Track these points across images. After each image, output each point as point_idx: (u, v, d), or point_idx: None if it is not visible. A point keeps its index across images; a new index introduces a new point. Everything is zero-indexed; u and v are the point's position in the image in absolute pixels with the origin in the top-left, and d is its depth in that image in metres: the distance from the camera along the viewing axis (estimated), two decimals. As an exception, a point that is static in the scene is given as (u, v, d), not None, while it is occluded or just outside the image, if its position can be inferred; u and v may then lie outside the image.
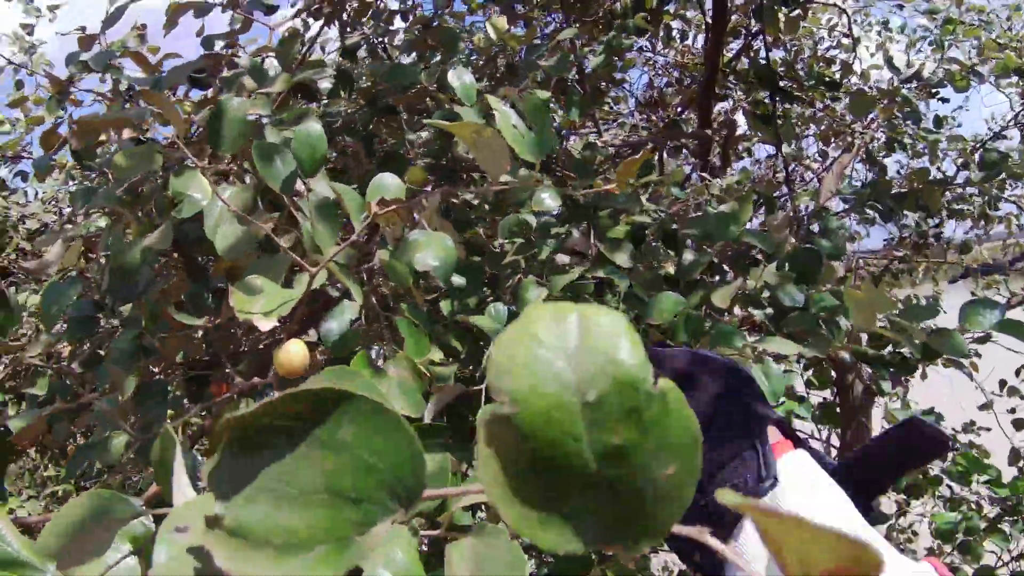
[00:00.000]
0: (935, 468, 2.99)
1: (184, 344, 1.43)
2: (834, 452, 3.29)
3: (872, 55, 3.28)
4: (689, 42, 3.23)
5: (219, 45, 1.47)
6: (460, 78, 1.37)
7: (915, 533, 3.75)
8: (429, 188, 1.33)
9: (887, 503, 3.52)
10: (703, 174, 2.40)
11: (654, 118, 3.23)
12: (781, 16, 2.90)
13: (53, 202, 3.58)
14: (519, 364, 0.28)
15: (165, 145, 1.11)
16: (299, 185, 1.03)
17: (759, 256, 1.79)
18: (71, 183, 3.56)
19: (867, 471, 0.59)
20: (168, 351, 1.39)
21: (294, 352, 0.77)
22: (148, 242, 0.98)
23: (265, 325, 0.75)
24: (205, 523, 0.33)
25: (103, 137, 1.72)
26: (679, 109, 3.15)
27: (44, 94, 2.94)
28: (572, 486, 0.28)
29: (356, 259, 1.13)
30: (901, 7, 3.14)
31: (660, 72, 3.37)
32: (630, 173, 0.87)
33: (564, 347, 0.28)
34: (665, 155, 3.20)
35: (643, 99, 3.21)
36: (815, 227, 1.95)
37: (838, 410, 3.13)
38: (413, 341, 1.05)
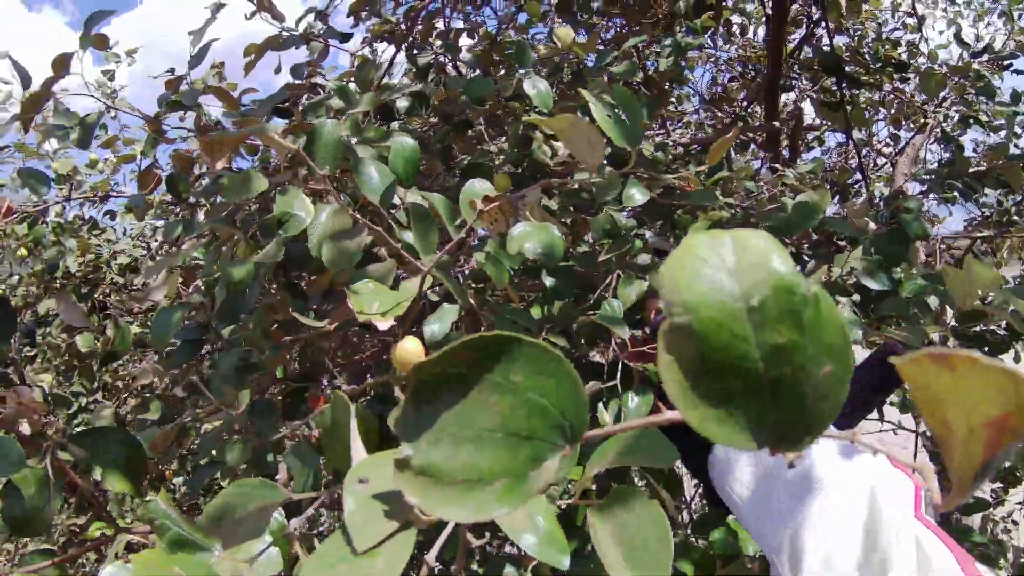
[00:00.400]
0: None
1: (283, 361, 1.50)
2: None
3: (941, 33, 3.21)
4: (750, 36, 3.21)
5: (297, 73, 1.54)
6: (535, 86, 1.41)
7: (1015, 522, 3.62)
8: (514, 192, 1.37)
9: (983, 492, 3.41)
10: (775, 165, 2.39)
11: (720, 114, 3.22)
12: (842, 1, 2.87)
13: (141, 238, 3.75)
14: (689, 280, 0.31)
15: (265, 169, 1.17)
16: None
17: (842, 243, 1.78)
18: (158, 219, 3.73)
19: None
20: (270, 367, 1.46)
21: (411, 348, 0.81)
22: (259, 258, 1.04)
23: (383, 325, 0.80)
24: (395, 465, 0.37)
25: (196, 171, 1.82)
26: (744, 103, 3.13)
27: (129, 134, 3.09)
28: (743, 386, 0.31)
29: (450, 264, 1.18)
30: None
31: (723, 68, 3.36)
32: (719, 155, 0.89)
33: (725, 262, 0.31)
34: (731, 151, 3.18)
35: (707, 96, 3.20)
36: (897, 209, 1.92)
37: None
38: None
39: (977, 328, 1.47)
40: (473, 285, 1.31)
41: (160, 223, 3.84)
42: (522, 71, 1.43)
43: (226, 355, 1.31)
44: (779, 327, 0.31)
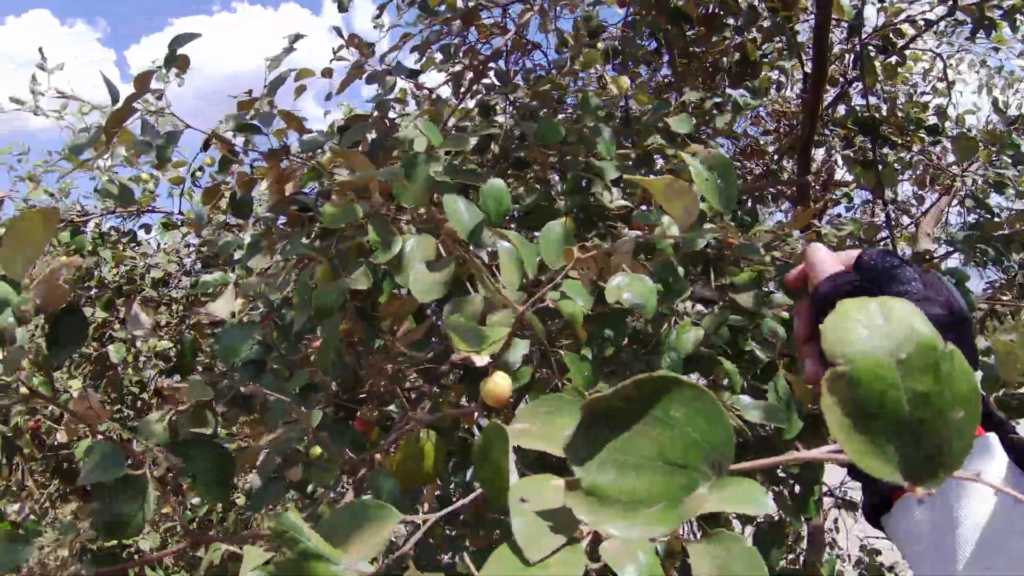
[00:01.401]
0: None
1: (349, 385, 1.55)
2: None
3: (974, 93, 3.29)
4: (786, 91, 3.30)
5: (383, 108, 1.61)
6: (603, 136, 1.48)
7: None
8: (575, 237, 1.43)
9: None
10: (812, 221, 2.45)
11: (751, 165, 3.29)
12: (878, 64, 2.95)
13: (175, 252, 3.81)
14: (848, 337, 0.38)
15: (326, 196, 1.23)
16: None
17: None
18: (191, 236, 3.80)
19: None
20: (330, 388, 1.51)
21: (501, 383, 0.86)
22: (348, 282, 1.09)
23: (480, 361, 0.85)
24: (566, 486, 0.42)
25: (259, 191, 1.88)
26: (775, 157, 3.20)
27: (176, 154, 3.17)
28: (893, 426, 0.38)
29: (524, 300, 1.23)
30: (996, 50, 3.16)
31: (755, 121, 3.44)
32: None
33: (876, 324, 0.39)
34: (759, 203, 3.24)
35: (739, 148, 3.28)
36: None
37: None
38: (579, 372, 1.14)
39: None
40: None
41: (194, 241, 3.92)
42: (586, 117, 1.50)
43: (297, 375, 1.36)
44: (922, 377, 0.38)
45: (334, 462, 1.14)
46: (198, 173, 3.23)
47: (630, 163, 1.76)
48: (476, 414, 0.95)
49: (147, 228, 3.94)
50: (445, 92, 2.24)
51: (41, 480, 3.47)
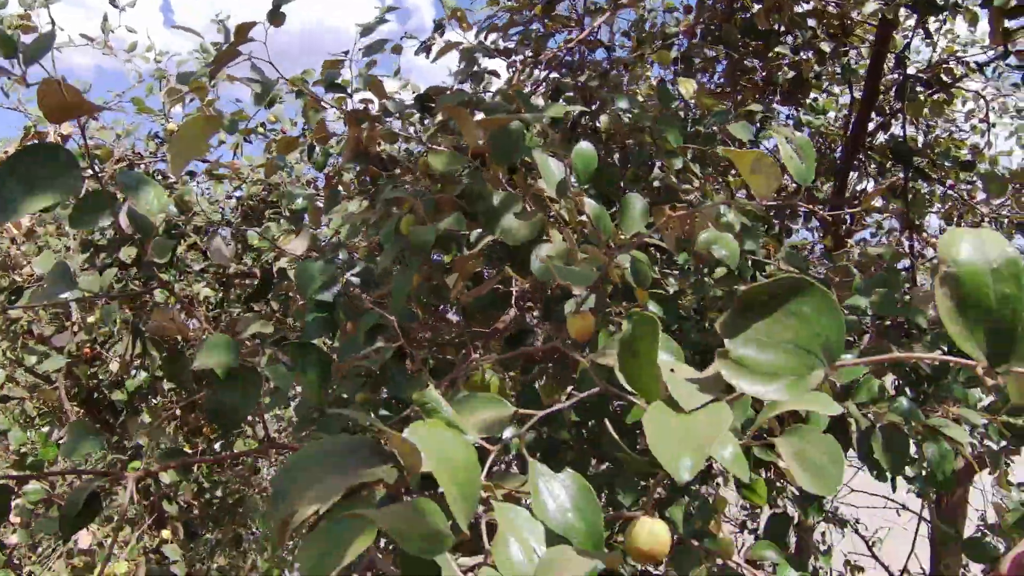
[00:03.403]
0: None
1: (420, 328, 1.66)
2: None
3: (1007, 139, 3.38)
4: (831, 115, 3.40)
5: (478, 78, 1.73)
6: (673, 125, 1.60)
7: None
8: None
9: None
10: (847, 240, 2.56)
11: (785, 181, 3.39)
12: (923, 98, 3.05)
13: (218, 203, 3.94)
14: (957, 247, 0.52)
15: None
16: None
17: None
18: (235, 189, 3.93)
19: None
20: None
21: (586, 318, 0.98)
22: (443, 224, 1.21)
23: (576, 291, 0.97)
24: (718, 355, 0.55)
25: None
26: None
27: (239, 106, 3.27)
28: (983, 317, 0.51)
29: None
30: (1039, 99, 3.25)
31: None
32: (870, 201, 1.06)
33: (977, 241, 0.52)
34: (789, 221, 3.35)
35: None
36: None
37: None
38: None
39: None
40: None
41: (237, 193, 4.04)
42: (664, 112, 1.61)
43: (368, 314, 1.47)
44: (1007, 283, 0.51)
45: (418, 376, 1.25)
46: (260, 129, 3.34)
47: (690, 159, 1.87)
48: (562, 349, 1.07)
49: (191, 174, 4.06)
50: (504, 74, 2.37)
51: (72, 407, 3.60)
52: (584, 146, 1.20)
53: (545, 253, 1.03)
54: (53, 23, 3.18)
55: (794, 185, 3.61)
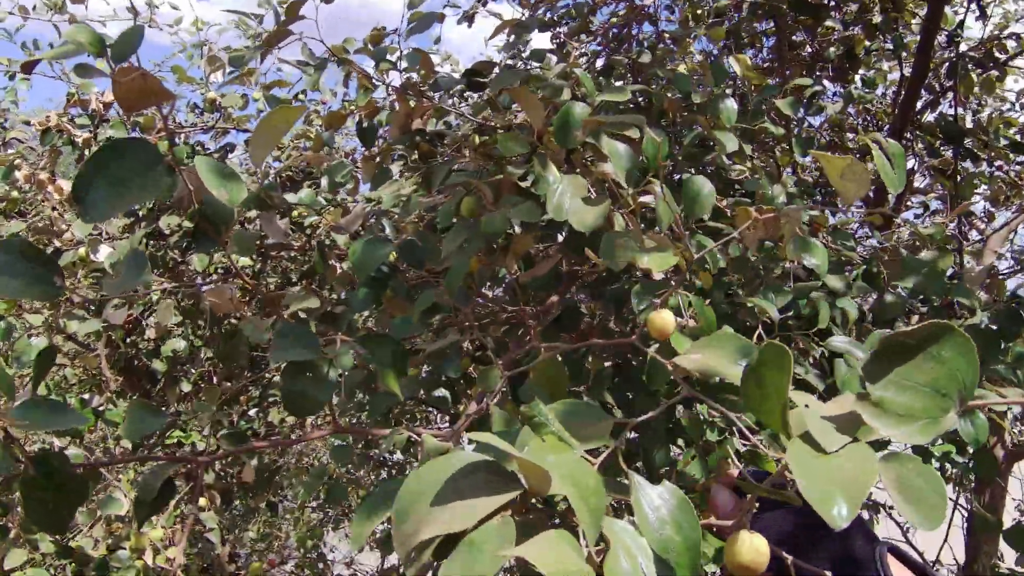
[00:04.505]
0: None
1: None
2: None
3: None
4: (879, 90, 3.33)
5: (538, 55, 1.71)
6: (726, 104, 1.57)
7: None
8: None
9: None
10: (896, 220, 2.51)
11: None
12: (975, 77, 2.98)
13: (256, 174, 3.95)
14: None
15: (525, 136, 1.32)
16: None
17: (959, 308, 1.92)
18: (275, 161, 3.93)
19: None
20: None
21: (668, 319, 0.97)
22: (513, 214, 1.19)
23: (656, 275, 0.96)
24: (857, 396, 0.54)
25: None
26: (858, 156, 3.25)
27: (282, 76, 3.25)
28: None
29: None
30: (1097, 78, 3.16)
31: (844, 115, 3.48)
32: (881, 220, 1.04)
33: None
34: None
35: (824, 142, 3.33)
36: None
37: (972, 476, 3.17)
38: (705, 314, 1.24)
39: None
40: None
41: (276, 164, 4.05)
42: (720, 89, 1.58)
43: (425, 294, 1.46)
44: None
45: (494, 368, 1.25)
46: (300, 96, 3.33)
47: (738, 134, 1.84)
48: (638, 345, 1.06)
49: (231, 147, 4.07)
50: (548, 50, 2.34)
51: (112, 374, 3.65)
52: (654, 133, 1.18)
53: (620, 238, 1.02)
54: (135, 13, 3.18)
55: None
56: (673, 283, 1.11)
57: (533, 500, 0.60)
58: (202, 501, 3.64)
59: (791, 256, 1.08)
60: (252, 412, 3.72)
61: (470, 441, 0.70)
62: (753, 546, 0.60)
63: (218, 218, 1.00)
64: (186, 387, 3.71)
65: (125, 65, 0.78)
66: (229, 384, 3.62)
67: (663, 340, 0.97)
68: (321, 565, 4.00)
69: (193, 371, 3.69)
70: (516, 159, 1.32)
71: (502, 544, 0.50)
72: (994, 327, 1.79)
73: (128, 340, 3.65)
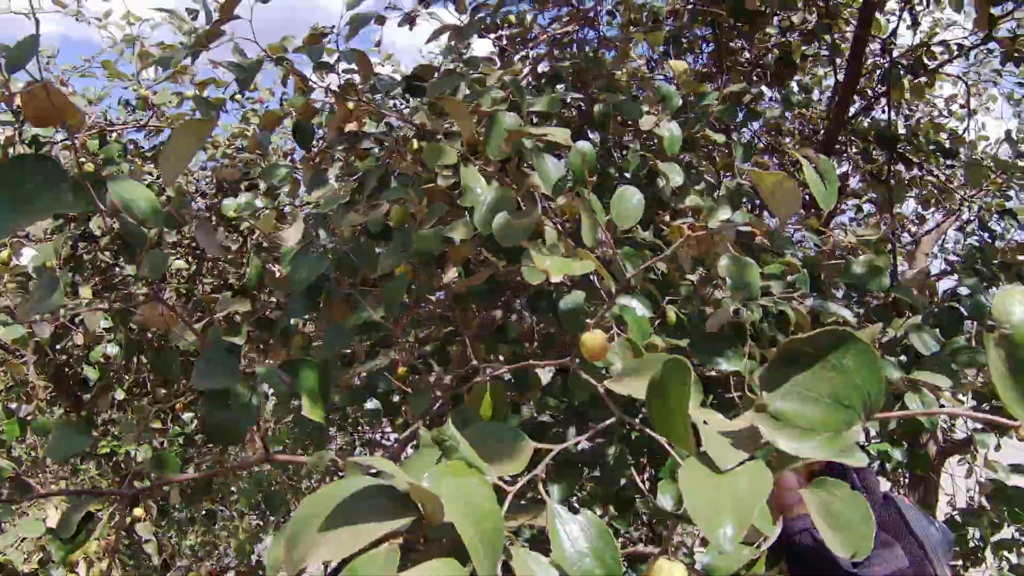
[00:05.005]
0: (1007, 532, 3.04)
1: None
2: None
3: (987, 123, 3.40)
4: (815, 95, 3.39)
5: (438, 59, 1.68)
6: (670, 129, 1.57)
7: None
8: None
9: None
10: (843, 225, 2.56)
11: (768, 163, 3.39)
12: (906, 83, 3.05)
13: (191, 174, 3.85)
14: (1012, 309, 0.50)
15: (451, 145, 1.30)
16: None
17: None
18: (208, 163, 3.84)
19: None
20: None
21: (599, 338, 0.96)
22: (452, 233, 1.17)
23: (555, 278, 0.95)
24: (755, 408, 0.52)
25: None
26: (794, 164, 3.30)
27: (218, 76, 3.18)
28: None
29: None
30: (1022, 85, 3.27)
31: (777, 122, 3.54)
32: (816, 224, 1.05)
33: None
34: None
35: (760, 147, 3.37)
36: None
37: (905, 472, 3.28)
38: (636, 327, 1.23)
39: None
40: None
41: (210, 164, 3.95)
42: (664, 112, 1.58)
43: (361, 308, 1.43)
44: None
45: (426, 390, 1.23)
46: (236, 97, 3.25)
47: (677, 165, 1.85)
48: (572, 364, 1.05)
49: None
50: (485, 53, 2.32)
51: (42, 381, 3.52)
52: (583, 145, 1.17)
53: (537, 254, 1.01)
54: (37, 22, 3.04)
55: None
56: (606, 302, 1.10)
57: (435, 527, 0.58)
58: (138, 511, 3.53)
59: (723, 275, 1.08)
60: (186, 417, 3.63)
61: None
62: (592, 337, 0.59)
63: (133, 239, 0.96)
64: (120, 395, 3.60)
65: (30, 80, 0.75)
66: (163, 392, 3.53)
67: (596, 361, 0.96)
68: (261, 573, 3.92)
69: (127, 378, 3.58)
70: (447, 168, 1.31)
71: (384, 572, 0.49)
72: (935, 327, 1.84)
73: (57, 347, 3.53)
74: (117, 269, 3.50)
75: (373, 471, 0.62)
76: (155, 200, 0.88)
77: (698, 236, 1.04)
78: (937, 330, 1.75)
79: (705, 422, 0.58)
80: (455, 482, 0.60)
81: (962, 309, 1.77)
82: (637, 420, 0.79)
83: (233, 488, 4.01)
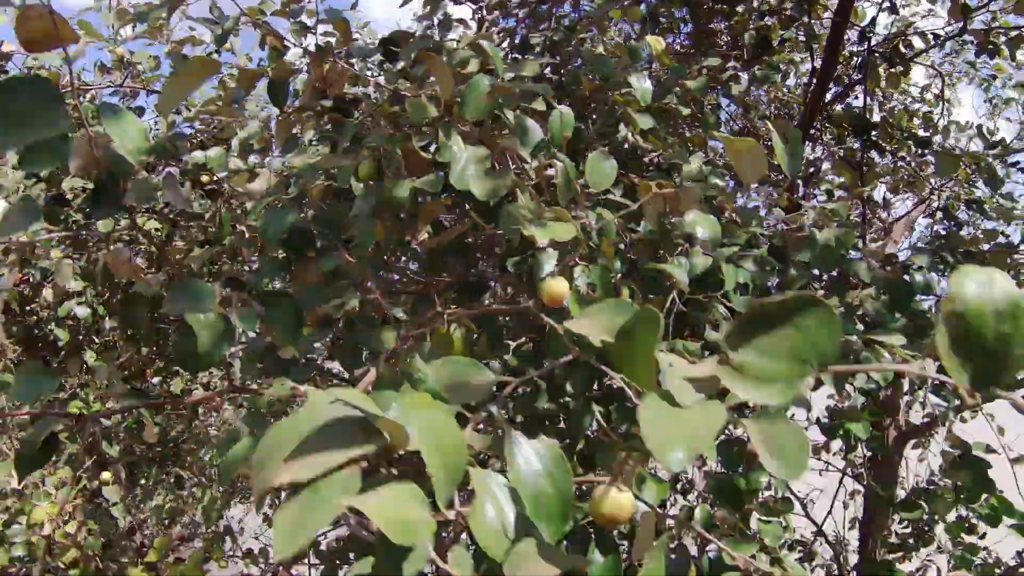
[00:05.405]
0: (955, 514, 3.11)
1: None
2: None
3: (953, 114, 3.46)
4: (791, 81, 3.43)
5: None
6: (641, 84, 1.60)
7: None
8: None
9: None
10: (800, 202, 2.60)
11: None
12: (882, 72, 3.09)
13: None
14: (966, 290, 0.54)
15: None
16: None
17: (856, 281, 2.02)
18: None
19: None
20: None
21: (562, 286, 0.99)
22: (420, 183, 1.19)
23: (542, 242, 0.97)
24: (718, 360, 0.56)
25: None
26: (768, 142, 3.34)
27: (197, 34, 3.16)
28: (980, 351, 0.54)
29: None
30: (994, 77, 3.32)
31: (753, 105, 3.57)
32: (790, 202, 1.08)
33: (985, 283, 0.54)
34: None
35: (738, 127, 3.41)
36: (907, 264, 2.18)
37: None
38: (600, 280, 1.26)
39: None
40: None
41: (187, 129, 3.92)
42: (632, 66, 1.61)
43: (331, 256, 1.44)
44: (1007, 323, 0.54)
45: (392, 327, 1.24)
46: (215, 54, 3.22)
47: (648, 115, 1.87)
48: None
49: (140, 111, 3.92)
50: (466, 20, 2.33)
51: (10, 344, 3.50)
52: (564, 110, 1.20)
53: (515, 209, 1.03)
54: None
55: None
56: (572, 254, 1.13)
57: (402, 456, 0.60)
58: (105, 475, 3.53)
59: (685, 228, 1.11)
60: (155, 381, 3.62)
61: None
62: (615, 499, 0.63)
63: (119, 169, 0.97)
64: (90, 357, 3.58)
65: (34, 3, 0.76)
66: (132, 354, 3.51)
67: (556, 306, 0.99)
68: (229, 538, 3.93)
69: (96, 341, 3.57)
70: (422, 129, 1.32)
71: (344, 493, 0.51)
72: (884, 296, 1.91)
73: (28, 308, 3.51)
74: (88, 232, 3.47)
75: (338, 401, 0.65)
76: (145, 130, 0.89)
77: (665, 193, 1.07)
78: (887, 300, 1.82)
79: (671, 365, 0.61)
80: (422, 413, 0.62)
81: (911, 282, 1.83)
82: (594, 358, 0.82)
83: (201, 453, 4.02)
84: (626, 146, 1.63)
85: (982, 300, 0.53)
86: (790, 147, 0.95)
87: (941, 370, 0.58)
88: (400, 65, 1.82)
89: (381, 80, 1.85)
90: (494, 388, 0.77)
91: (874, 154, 3.42)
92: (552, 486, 0.62)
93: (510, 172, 1.15)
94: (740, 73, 2.60)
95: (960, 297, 0.53)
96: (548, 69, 1.84)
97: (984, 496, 2.65)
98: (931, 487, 2.55)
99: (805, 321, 0.56)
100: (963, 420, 3.31)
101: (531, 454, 0.63)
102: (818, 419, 2.30)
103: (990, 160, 3.01)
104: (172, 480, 3.88)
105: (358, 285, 1.61)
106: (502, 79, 1.31)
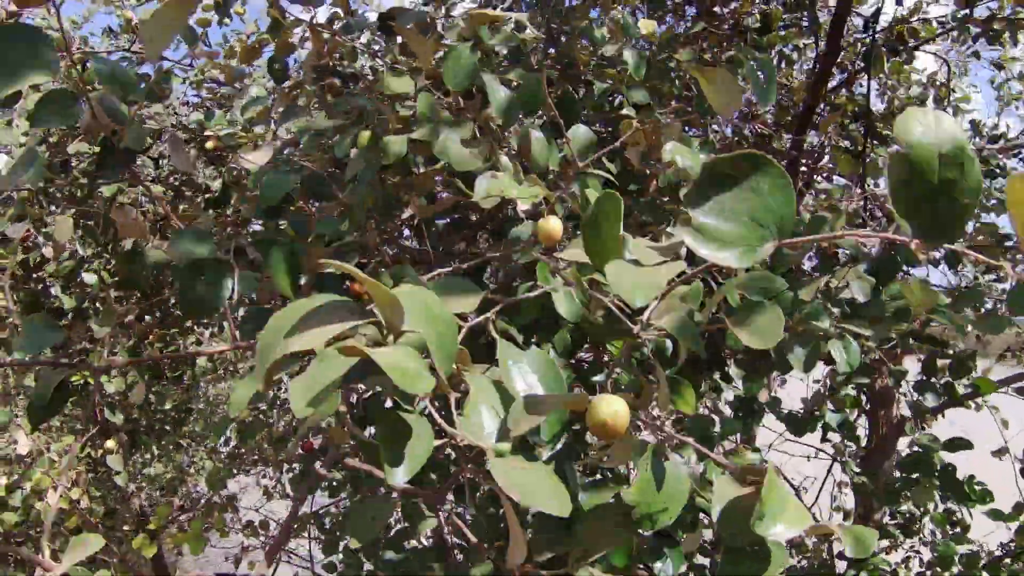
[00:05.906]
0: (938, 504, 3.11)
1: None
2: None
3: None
4: (796, 67, 3.43)
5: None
6: (634, 57, 1.63)
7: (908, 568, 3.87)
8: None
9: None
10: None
11: (746, 131, 3.42)
12: (885, 60, 3.09)
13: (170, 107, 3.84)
14: (911, 131, 0.56)
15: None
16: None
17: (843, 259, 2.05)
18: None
19: None
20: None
21: (555, 224, 1.03)
22: (416, 135, 1.22)
23: (524, 205, 1.01)
24: (680, 220, 0.60)
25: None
26: (773, 127, 3.35)
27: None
28: (926, 196, 0.56)
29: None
30: (1000, 68, 3.31)
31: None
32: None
33: (932, 125, 0.56)
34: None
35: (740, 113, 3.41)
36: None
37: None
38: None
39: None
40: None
41: (194, 98, 3.94)
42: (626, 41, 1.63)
43: (325, 220, 1.47)
44: (951, 169, 0.56)
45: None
46: (226, 21, 3.24)
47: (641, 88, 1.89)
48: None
49: (147, 77, 3.94)
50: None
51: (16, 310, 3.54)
52: (530, 76, 1.22)
53: (490, 176, 1.06)
54: None
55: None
56: (561, 194, 1.16)
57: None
58: (109, 443, 3.57)
59: (666, 159, 1.14)
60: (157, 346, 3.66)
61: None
62: (612, 407, 0.63)
63: (116, 120, 1.00)
64: (96, 327, 3.63)
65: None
66: (132, 318, 3.54)
67: (552, 245, 1.03)
68: (230, 510, 3.99)
69: (101, 308, 3.60)
70: (410, 99, 1.35)
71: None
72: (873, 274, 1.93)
73: (35, 276, 3.55)
74: (92, 200, 3.50)
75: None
76: (134, 76, 0.93)
77: (646, 129, 1.11)
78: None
79: (635, 240, 0.66)
80: (415, 294, 0.67)
81: (897, 257, 1.85)
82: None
83: (206, 422, 4.07)
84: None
85: (927, 141, 0.55)
86: (764, 75, 0.99)
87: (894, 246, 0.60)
88: (400, 40, 1.85)
89: (378, 52, 1.88)
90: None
91: (878, 144, 3.43)
92: (544, 389, 0.67)
93: (487, 140, 1.18)
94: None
95: (905, 139, 0.55)
96: (542, 44, 1.86)
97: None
98: (913, 477, 2.56)
99: (760, 184, 0.59)
100: (971, 408, 3.29)
101: (524, 364, 0.68)
102: (789, 412, 2.33)
103: (989, 154, 3.01)
104: (172, 447, 3.93)
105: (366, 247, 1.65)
106: (491, 54, 1.33)
